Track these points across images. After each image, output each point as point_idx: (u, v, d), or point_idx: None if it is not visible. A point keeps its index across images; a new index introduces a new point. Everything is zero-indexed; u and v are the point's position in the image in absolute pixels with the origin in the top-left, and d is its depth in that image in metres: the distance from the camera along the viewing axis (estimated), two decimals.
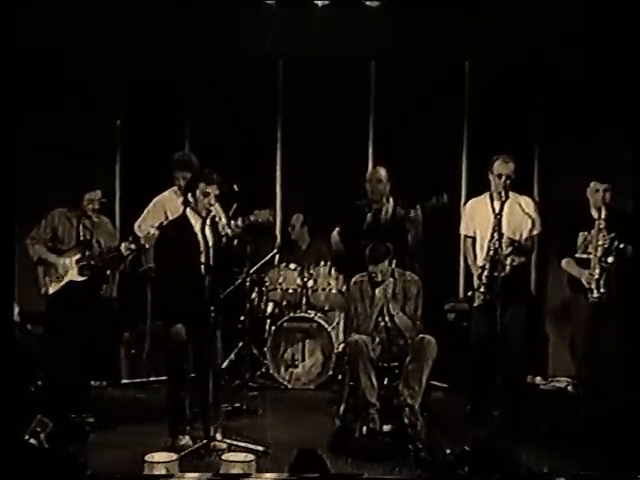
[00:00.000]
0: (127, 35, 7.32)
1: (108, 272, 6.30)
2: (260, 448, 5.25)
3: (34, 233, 6.24)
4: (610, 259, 5.73)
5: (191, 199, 5.49)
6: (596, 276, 5.75)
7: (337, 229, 6.80)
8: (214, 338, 5.38)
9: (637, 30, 6.18)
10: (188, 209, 5.52)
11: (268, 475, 4.59)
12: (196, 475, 4.57)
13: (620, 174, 5.92)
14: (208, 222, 5.46)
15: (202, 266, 5.35)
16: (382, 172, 6.68)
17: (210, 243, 5.44)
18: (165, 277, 5.55)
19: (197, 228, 5.47)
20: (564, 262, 6.03)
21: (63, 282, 6.18)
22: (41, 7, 6.53)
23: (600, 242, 5.78)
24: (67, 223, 6.26)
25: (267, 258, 7.28)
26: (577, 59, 7.15)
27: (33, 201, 6.47)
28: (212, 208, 5.43)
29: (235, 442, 5.35)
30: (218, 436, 5.39)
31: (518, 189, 6.05)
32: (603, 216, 5.80)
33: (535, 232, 6.06)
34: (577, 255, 5.94)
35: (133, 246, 6.10)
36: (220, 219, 5.59)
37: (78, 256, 6.20)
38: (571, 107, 7.28)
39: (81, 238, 6.24)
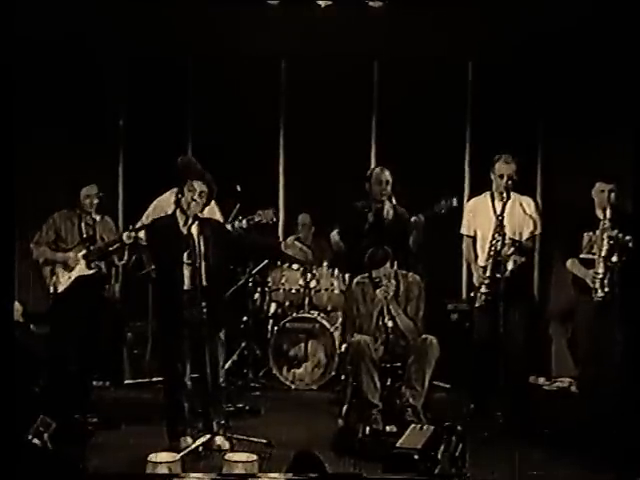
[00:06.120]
0: (130, 35, 7.33)
1: (113, 261, 6.30)
2: (263, 440, 5.29)
3: (37, 238, 6.23)
4: (614, 258, 5.68)
5: (179, 196, 5.46)
6: (600, 275, 5.68)
7: (336, 229, 6.77)
8: (210, 336, 5.35)
9: None
10: (178, 207, 5.50)
11: (268, 475, 4.59)
12: (198, 475, 4.57)
13: (626, 174, 5.89)
14: (191, 219, 5.37)
15: (186, 264, 5.32)
16: (387, 173, 6.46)
17: (198, 241, 5.36)
18: (158, 274, 5.64)
19: (183, 225, 5.40)
20: (569, 262, 5.96)
21: (72, 278, 6.18)
22: (42, 4, 6.52)
23: (605, 242, 5.74)
24: (69, 223, 6.25)
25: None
26: (581, 58, 7.13)
27: (34, 202, 6.48)
28: (194, 204, 5.36)
29: (236, 435, 5.37)
30: (220, 432, 5.38)
31: (521, 188, 6.04)
32: (608, 216, 5.72)
33: (536, 233, 6.05)
34: (582, 255, 5.88)
35: (134, 234, 6.11)
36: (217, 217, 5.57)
37: (84, 251, 6.21)
38: (575, 106, 7.27)
39: (84, 236, 6.24)
